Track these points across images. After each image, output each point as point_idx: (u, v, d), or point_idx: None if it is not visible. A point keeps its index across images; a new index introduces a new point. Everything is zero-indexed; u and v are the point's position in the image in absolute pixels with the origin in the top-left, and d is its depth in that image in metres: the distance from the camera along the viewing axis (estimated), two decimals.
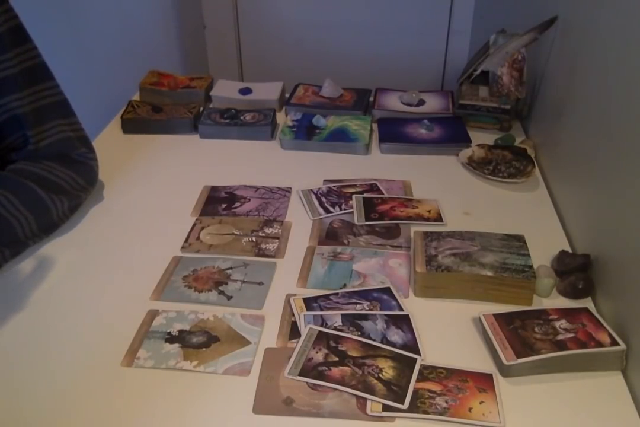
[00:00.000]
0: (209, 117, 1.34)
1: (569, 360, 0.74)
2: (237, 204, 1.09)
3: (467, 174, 1.19)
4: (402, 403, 0.70)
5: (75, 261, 0.95)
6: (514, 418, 0.69)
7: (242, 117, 1.34)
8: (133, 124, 1.34)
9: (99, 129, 1.36)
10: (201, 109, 1.40)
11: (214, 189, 1.14)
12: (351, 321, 0.81)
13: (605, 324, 0.78)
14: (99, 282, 0.91)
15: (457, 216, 1.05)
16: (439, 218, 1.04)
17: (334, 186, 1.14)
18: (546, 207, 1.08)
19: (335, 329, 0.80)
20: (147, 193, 1.13)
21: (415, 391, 0.71)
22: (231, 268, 0.93)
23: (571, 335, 0.76)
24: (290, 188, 1.14)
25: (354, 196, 1.10)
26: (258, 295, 0.88)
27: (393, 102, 1.42)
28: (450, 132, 1.30)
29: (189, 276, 0.91)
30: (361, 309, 0.84)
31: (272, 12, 2.45)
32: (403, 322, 0.82)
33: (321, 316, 0.82)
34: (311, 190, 1.13)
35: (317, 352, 0.76)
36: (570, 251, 0.95)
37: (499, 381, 0.74)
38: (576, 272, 0.88)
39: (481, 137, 1.29)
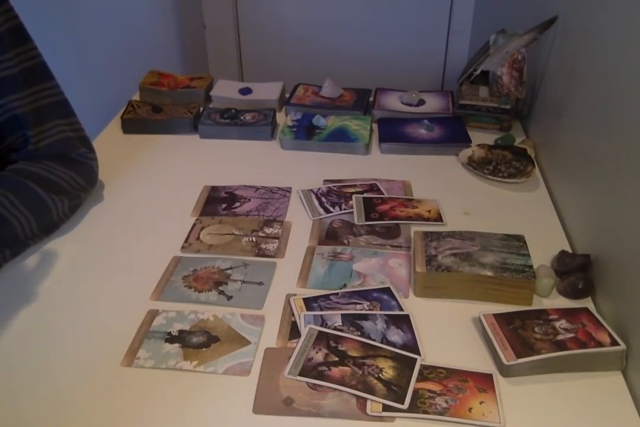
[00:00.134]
0: (209, 117, 1.34)
1: (569, 360, 0.74)
2: (237, 204, 1.09)
3: (467, 174, 1.19)
4: (402, 403, 0.70)
5: (75, 261, 0.95)
6: (514, 418, 0.69)
7: (242, 117, 1.34)
8: (133, 124, 1.34)
9: (99, 129, 1.36)
10: (201, 109, 1.40)
11: (214, 189, 1.14)
12: (351, 321, 0.82)
13: (605, 324, 0.78)
14: (99, 282, 0.91)
15: (457, 216, 1.05)
16: (439, 218, 1.04)
17: (334, 186, 1.14)
18: (546, 207, 1.09)
19: (335, 329, 0.80)
20: (147, 193, 1.13)
21: (415, 391, 0.71)
22: (231, 268, 0.93)
23: (571, 335, 0.76)
24: (290, 188, 1.14)
25: (354, 196, 1.10)
26: (258, 295, 0.88)
27: (393, 102, 1.42)
28: (450, 132, 1.30)
29: (189, 276, 0.91)
30: (361, 309, 0.84)
31: (272, 12, 2.45)
32: (403, 322, 0.82)
33: (321, 316, 0.82)
34: (311, 190, 1.13)
35: (317, 352, 0.76)
36: (570, 251, 0.95)
37: (499, 381, 0.74)
38: (576, 272, 0.88)
39: (481, 137, 1.29)
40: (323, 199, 1.10)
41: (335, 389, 0.72)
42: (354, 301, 0.86)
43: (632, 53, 0.84)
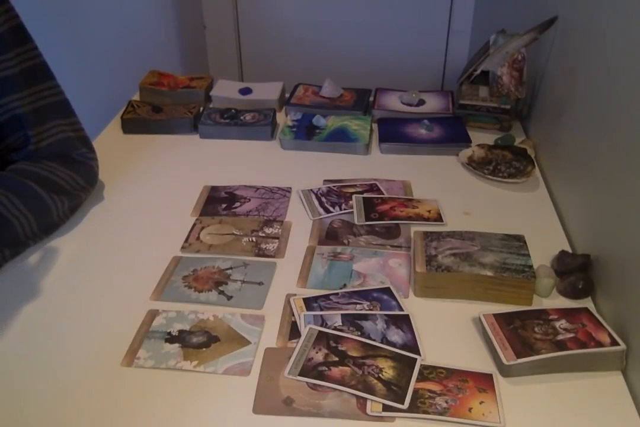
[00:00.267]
0: (209, 117, 1.34)
1: (569, 360, 0.74)
2: (237, 204, 1.09)
3: (467, 174, 1.19)
4: (402, 403, 0.70)
5: (75, 261, 0.95)
6: (514, 418, 0.69)
7: (242, 117, 1.34)
8: (133, 124, 1.34)
9: (99, 129, 1.36)
10: (201, 109, 1.40)
11: (214, 189, 1.14)
12: (351, 321, 0.82)
13: (605, 324, 0.78)
14: (99, 282, 0.91)
15: (457, 216, 1.05)
16: (439, 218, 1.04)
17: (334, 186, 1.14)
18: (546, 207, 1.09)
19: (335, 329, 0.80)
20: (147, 193, 1.13)
21: (415, 391, 0.71)
22: (231, 268, 0.93)
23: (571, 335, 0.76)
24: (290, 188, 1.14)
25: (354, 196, 1.10)
26: (258, 295, 0.88)
27: (393, 102, 1.42)
28: (450, 132, 1.30)
29: (189, 276, 0.91)
30: (361, 309, 0.84)
31: (272, 12, 2.45)
32: (403, 322, 0.82)
33: (321, 316, 0.82)
34: (311, 190, 1.13)
35: (317, 352, 0.76)
36: (570, 251, 0.95)
37: (499, 381, 0.74)
38: (576, 272, 0.88)
39: (481, 137, 1.29)
40: (323, 199, 1.10)
41: (335, 389, 0.72)
42: (354, 301, 0.86)
43: (632, 53, 0.84)
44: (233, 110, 1.34)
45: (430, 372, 0.74)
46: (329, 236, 1.01)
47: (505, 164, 1.18)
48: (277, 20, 2.46)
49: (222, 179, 1.17)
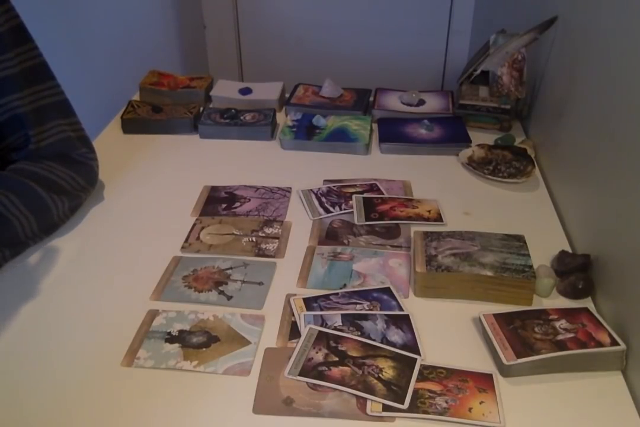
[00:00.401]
0: (209, 117, 1.34)
1: (569, 360, 0.74)
2: (237, 204, 1.09)
3: (467, 174, 1.19)
4: (402, 403, 0.70)
5: (75, 261, 0.95)
6: (514, 418, 0.69)
7: (242, 117, 1.34)
8: (133, 124, 1.34)
9: (99, 129, 1.36)
10: (201, 109, 1.40)
11: (214, 189, 1.14)
12: (351, 321, 0.82)
13: (605, 324, 0.78)
14: (99, 282, 0.91)
15: (457, 216, 1.05)
16: (439, 218, 1.04)
17: (334, 186, 1.14)
18: (546, 207, 1.09)
19: (335, 329, 0.80)
20: (147, 193, 1.13)
21: (415, 391, 0.71)
22: (231, 268, 0.93)
23: (571, 335, 0.76)
24: (290, 188, 1.14)
25: (354, 196, 1.10)
26: (258, 295, 0.88)
27: (393, 102, 1.42)
28: (450, 132, 1.30)
29: (189, 276, 0.91)
30: (361, 309, 0.84)
31: (272, 12, 2.45)
32: (403, 322, 0.82)
33: (321, 316, 0.82)
34: (311, 190, 1.13)
35: (317, 352, 0.76)
36: (570, 251, 0.95)
37: (499, 381, 0.74)
38: (576, 272, 0.88)
39: (481, 137, 1.29)
40: (323, 199, 1.10)
41: (335, 389, 0.72)
42: (354, 301, 0.86)
43: (632, 53, 0.84)
44: (233, 110, 1.34)
45: (430, 372, 0.74)
46: (329, 236, 1.01)
47: (505, 164, 1.18)
48: (277, 20, 2.46)
49: (222, 179, 1.17)
